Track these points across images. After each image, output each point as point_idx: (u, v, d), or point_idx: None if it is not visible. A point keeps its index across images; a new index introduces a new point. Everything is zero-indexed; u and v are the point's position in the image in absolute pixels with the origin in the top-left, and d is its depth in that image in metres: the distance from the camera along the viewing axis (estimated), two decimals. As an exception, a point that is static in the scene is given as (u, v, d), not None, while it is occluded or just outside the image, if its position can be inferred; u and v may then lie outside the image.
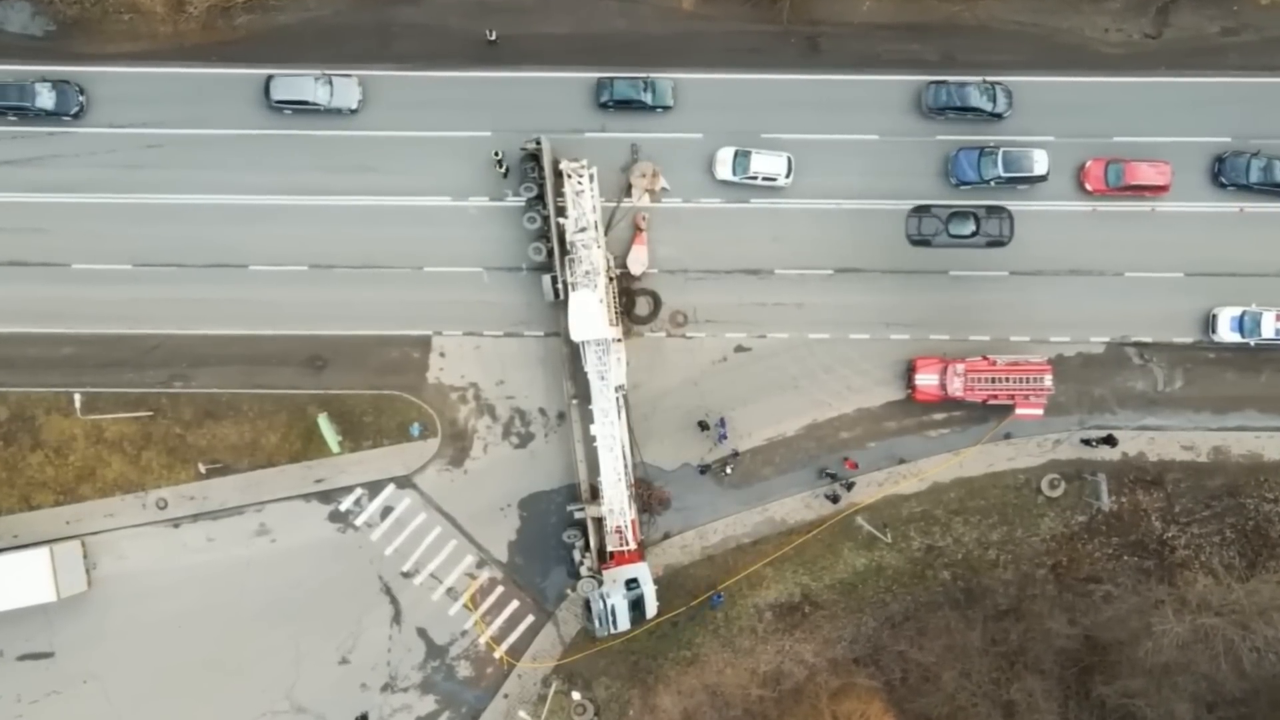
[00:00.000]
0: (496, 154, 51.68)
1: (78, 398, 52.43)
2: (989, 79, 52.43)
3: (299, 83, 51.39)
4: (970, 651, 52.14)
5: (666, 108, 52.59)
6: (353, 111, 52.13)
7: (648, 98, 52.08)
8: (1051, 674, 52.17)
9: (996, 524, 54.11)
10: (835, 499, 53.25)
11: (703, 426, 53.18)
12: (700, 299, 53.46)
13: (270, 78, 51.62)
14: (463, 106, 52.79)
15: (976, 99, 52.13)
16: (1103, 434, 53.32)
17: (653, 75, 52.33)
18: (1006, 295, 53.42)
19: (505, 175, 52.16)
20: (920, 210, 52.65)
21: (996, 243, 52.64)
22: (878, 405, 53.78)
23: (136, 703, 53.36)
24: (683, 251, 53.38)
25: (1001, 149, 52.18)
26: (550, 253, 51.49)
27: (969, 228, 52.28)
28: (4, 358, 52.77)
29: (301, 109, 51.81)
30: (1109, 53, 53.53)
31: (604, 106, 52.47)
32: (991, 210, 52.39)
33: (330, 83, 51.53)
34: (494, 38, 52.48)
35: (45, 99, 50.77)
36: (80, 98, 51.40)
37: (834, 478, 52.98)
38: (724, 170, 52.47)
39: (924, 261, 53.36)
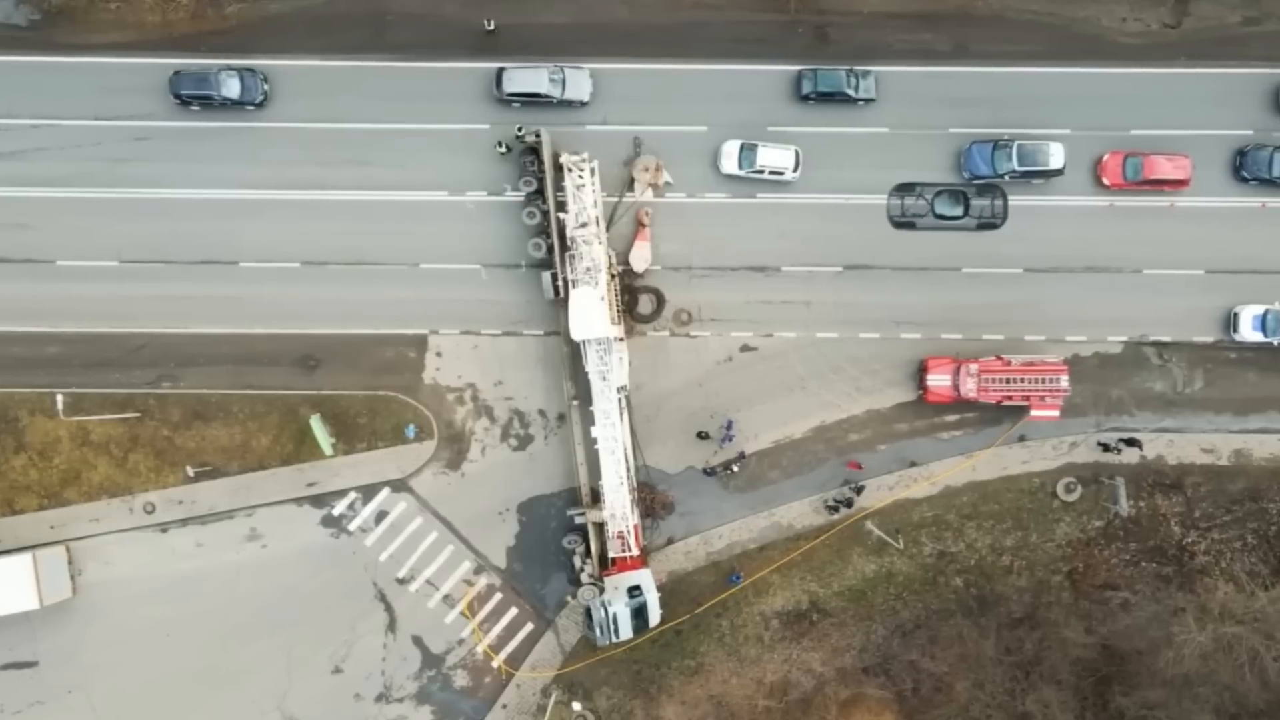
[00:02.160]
0: (500, 144, 50.74)
1: (60, 398, 51.57)
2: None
3: (532, 75, 50.49)
4: (984, 661, 51.34)
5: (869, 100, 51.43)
6: (583, 104, 51.13)
7: (852, 89, 50.77)
8: (1068, 684, 51.25)
9: (1010, 529, 53.18)
10: (847, 504, 52.25)
11: (702, 437, 52.28)
12: (705, 297, 52.61)
13: (502, 70, 50.81)
14: (460, 98, 51.88)
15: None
16: (1121, 438, 52.06)
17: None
18: (1021, 293, 52.46)
19: (507, 152, 51.01)
20: (903, 189, 50.88)
21: (988, 224, 51.05)
22: (888, 406, 52.89)
23: (123, 714, 52.48)
24: (687, 248, 52.52)
25: (1016, 142, 51.13)
26: (550, 249, 50.71)
27: (958, 208, 50.39)
28: (-13, 357, 51.92)
29: (532, 102, 50.93)
30: (1127, 43, 52.57)
31: (806, 99, 51.24)
32: (983, 189, 50.48)
33: (563, 75, 50.53)
34: (492, 27, 51.58)
35: (230, 87, 50.20)
36: (264, 86, 50.75)
37: (844, 503, 52.19)
38: (729, 164, 51.53)
39: (936, 258, 52.28)
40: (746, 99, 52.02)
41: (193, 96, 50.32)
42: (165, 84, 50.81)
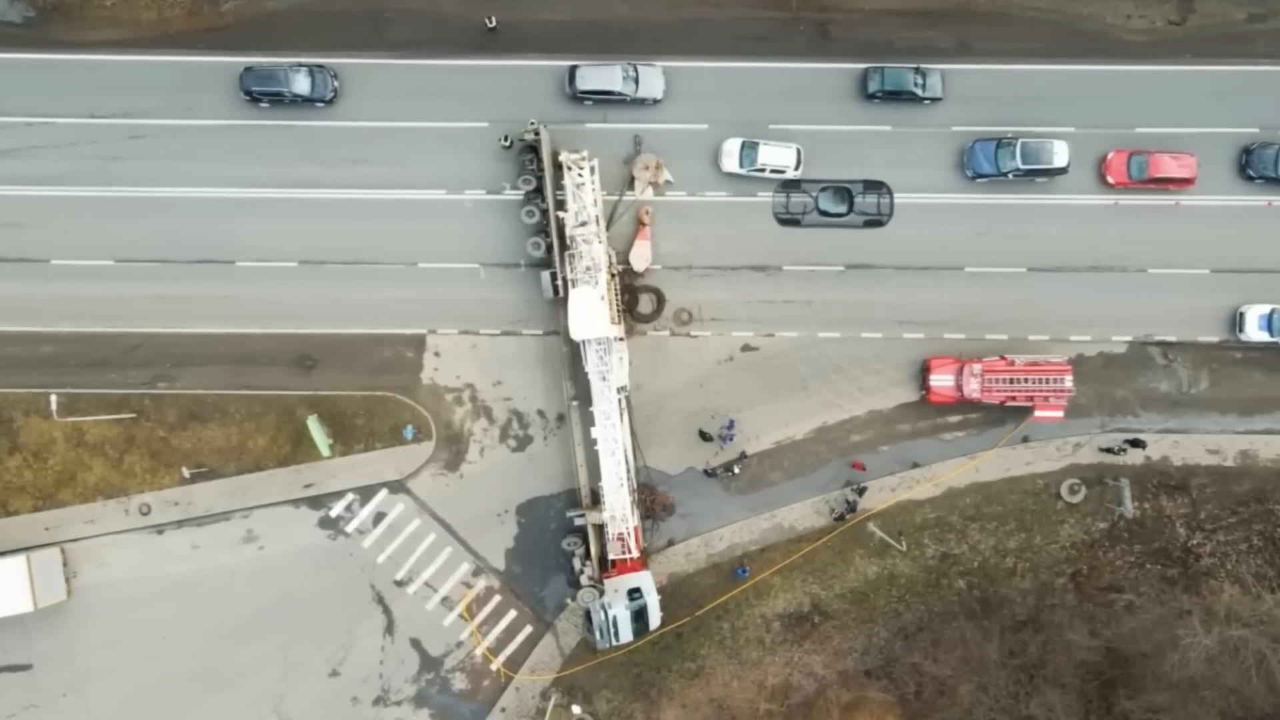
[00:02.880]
0: (504, 139, 50.43)
1: (54, 399, 51.16)
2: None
3: (606, 73, 50.08)
4: (987, 664, 50.95)
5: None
6: (656, 102, 50.72)
7: (919, 87, 50.49)
8: (1072, 688, 50.85)
9: (1014, 531, 52.74)
10: (851, 508, 51.85)
11: (704, 437, 51.92)
12: (706, 296, 52.18)
13: (574, 68, 50.34)
14: (458, 96, 51.51)
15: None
16: (1119, 442, 51.71)
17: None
18: (1025, 292, 52.05)
19: (509, 146, 50.59)
20: (788, 186, 50.23)
21: (874, 222, 50.59)
22: (890, 407, 52.47)
23: (118, 717, 52.09)
24: (687, 247, 52.09)
25: (1020, 140, 50.65)
26: (550, 248, 50.29)
27: (842, 205, 49.83)
28: (-19, 357, 51.54)
29: (605, 100, 50.60)
30: (1131, 40, 52.12)
31: (872, 98, 50.81)
32: (869, 185, 49.87)
33: (636, 73, 50.17)
34: (494, 25, 51.16)
35: (301, 84, 49.76)
36: (334, 82, 50.40)
37: (848, 508, 51.86)
38: (731, 162, 51.08)
39: (939, 257, 51.78)
40: (747, 96, 51.42)
41: (262, 93, 49.88)
42: (155, 81, 50.46)
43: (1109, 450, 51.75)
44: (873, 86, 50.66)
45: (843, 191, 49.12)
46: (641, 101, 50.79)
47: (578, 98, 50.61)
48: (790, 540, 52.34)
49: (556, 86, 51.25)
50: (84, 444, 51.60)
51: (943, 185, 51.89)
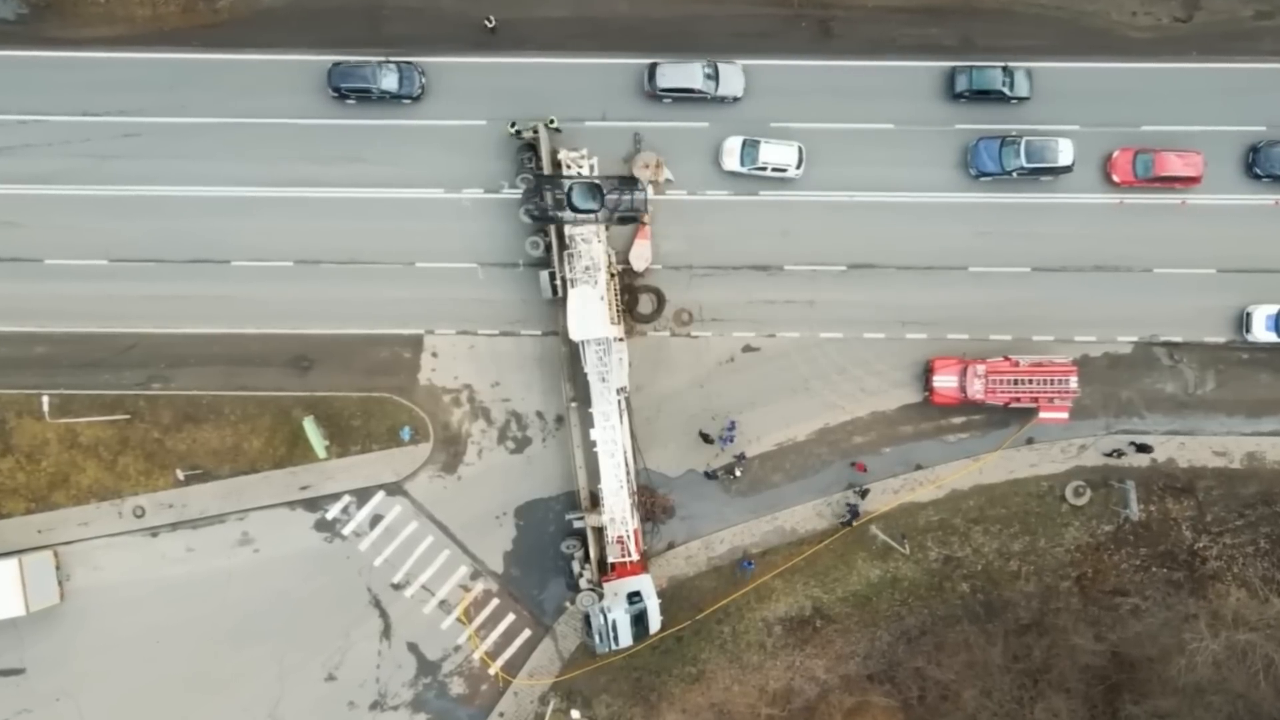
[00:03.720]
0: (512, 125, 49.76)
1: (46, 400, 50.69)
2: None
3: (686, 71, 49.70)
4: (991, 668, 50.60)
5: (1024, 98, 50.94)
6: (736, 100, 50.55)
7: (1007, 86, 50.26)
8: (1077, 692, 50.50)
9: (1018, 534, 52.27)
10: (854, 512, 51.40)
11: (705, 439, 51.53)
12: (706, 296, 51.75)
13: (654, 66, 49.96)
14: (457, 93, 51.09)
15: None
16: (1131, 443, 51.28)
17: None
18: (1029, 292, 51.53)
19: (518, 135, 49.99)
20: (541, 181, 49.21)
21: (628, 218, 49.70)
22: (893, 408, 52.02)
23: (112, 721, 51.58)
24: (688, 246, 51.66)
25: (1024, 139, 50.13)
26: (548, 247, 49.85)
27: (593, 201, 48.77)
28: (-27, 358, 51.11)
29: (684, 98, 50.24)
30: (1137, 37, 51.64)
31: (959, 97, 50.70)
32: (623, 181, 48.92)
33: (716, 71, 50.00)
34: (493, 25, 50.74)
35: (389, 81, 49.52)
36: (422, 79, 50.17)
37: (851, 512, 51.43)
38: (731, 161, 50.62)
39: (942, 257, 51.47)
40: (749, 94, 50.98)
41: (351, 90, 49.66)
42: (150, 79, 50.05)
43: (1112, 454, 51.26)
44: (960, 86, 50.37)
45: (594, 188, 48.51)
46: (721, 100, 50.51)
47: (656, 96, 50.32)
48: (792, 543, 51.89)
49: (554, 85, 50.84)
50: (77, 445, 51.12)
51: (946, 184, 51.43)
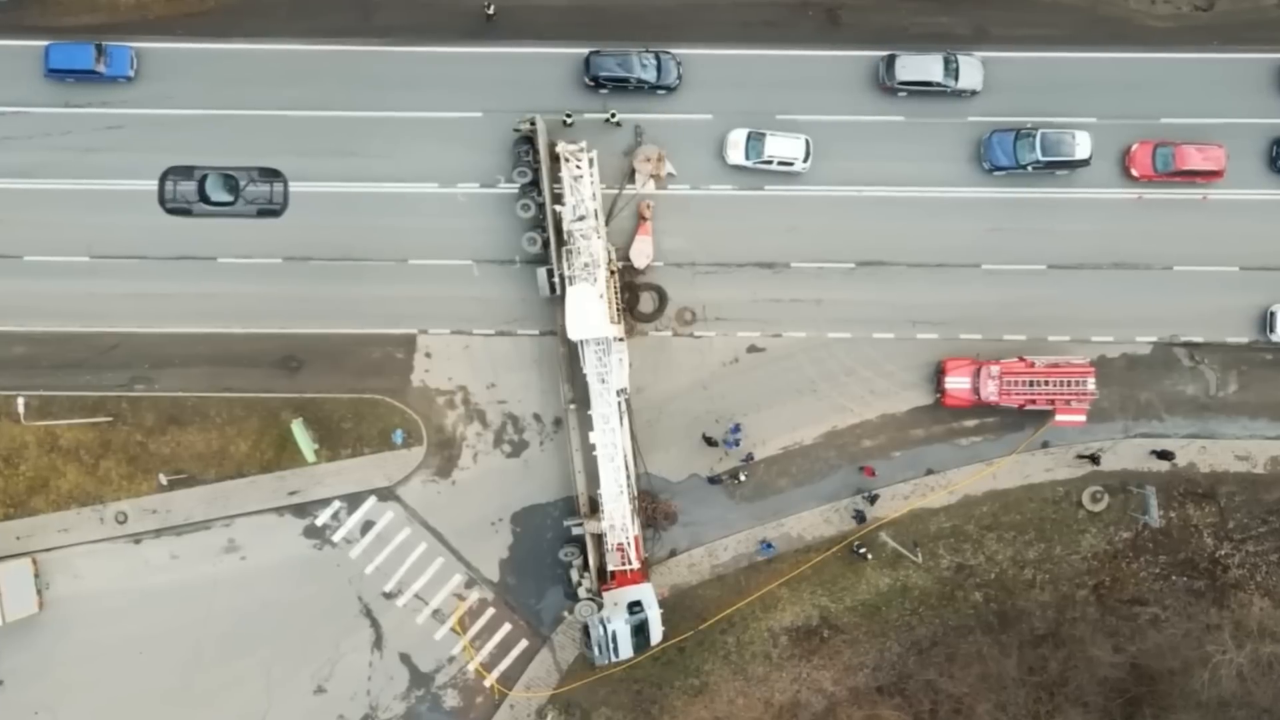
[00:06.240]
0: (567, 116, 49.29)
1: (21, 402, 49.51)
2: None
3: (925, 63, 48.72)
4: (1006, 681, 49.51)
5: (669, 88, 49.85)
6: (974, 94, 49.59)
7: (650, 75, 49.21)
8: (1095, 706, 49.59)
9: (1033, 541, 51.26)
10: (860, 518, 50.58)
11: (709, 442, 50.55)
12: (710, 294, 50.85)
13: (893, 57, 49.00)
14: (451, 84, 50.17)
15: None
16: (1152, 450, 50.26)
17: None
18: (1044, 291, 50.55)
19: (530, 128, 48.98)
20: (175, 172, 48.41)
21: (268, 211, 49.00)
22: (903, 411, 51.04)
23: (93, 735, 50.68)
24: (691, 243, 50.75)
25: (1040, 131, 49.02)
26: (546, 244, 49.10)
27: (229, 194, 48.18)
28: (-51, 358, 50.17)
29: (923, 91, 49.33)
30: (1156, 26, 50.65)
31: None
32: (263, 173, 48.40)
33: (957, 63, 48.99)
34: (492, 12, 49.72)
35: (648, 71, 48.92)
36: (679, 69, 49.43)
37: (856, 518, 50.61)
38: (736, 154, 49.66)
39: (954, 254, 50.43)
40: (754, 85, 50.05)
41: (609, 79, 48.97)
42: (156, 68, 49.11)
43: (1086, 458, 50.54)
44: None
45: (230, 179, 47.47)
46: (960, 93, 49.45)
47: (894, 89, 49.16)
48: (798, 550, 50.84)
49: (553, 75, 49.99)
50: (57, 449, 50.12)
51: (958, 178, 50.49)
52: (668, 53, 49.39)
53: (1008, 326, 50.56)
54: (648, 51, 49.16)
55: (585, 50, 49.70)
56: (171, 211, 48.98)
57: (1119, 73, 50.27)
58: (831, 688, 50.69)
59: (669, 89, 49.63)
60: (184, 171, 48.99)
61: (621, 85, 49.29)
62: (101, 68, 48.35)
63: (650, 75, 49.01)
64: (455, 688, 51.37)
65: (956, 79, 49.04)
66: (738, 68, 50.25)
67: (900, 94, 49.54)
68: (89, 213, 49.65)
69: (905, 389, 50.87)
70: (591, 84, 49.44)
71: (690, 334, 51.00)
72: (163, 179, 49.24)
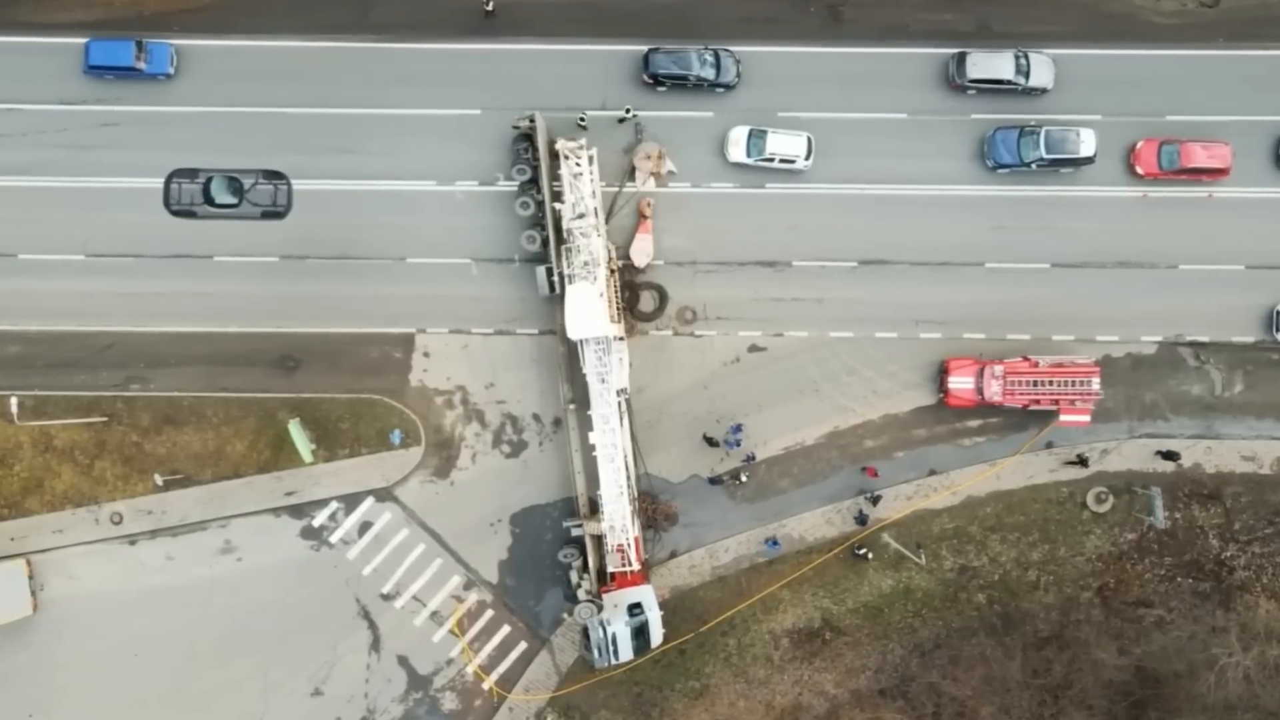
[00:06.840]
0: (628, 110, 49.00)
1: (14, 402, 49.06)
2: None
3: (996, 60, 48.45)
4: (1009, 684, 49.14)
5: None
6: (1044, 92, 49.28)
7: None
8: (1100, 709, 49.16)
9: (1037, 542, 50.84)
10: (862, 520, 50.18)
11: (710, 443, 50.21)
12: (711, 293, 50.48)
13: (964, 55, 48.62)
14: (450, 81, 49.83)
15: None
16: (1157, 451, 49.90)
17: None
18: (1048, 289, 50.18)
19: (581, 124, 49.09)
20: (180, 175, 48.13)
21: (272, 213, 48.82)
22: (906, 411, 50.64)
23: (88, 739, 50.32)
24: (692, 241, 50.39)
25: (1044, 129, 48.69)
26: (545, 242, 48.73)
27: (234, 195, 47.99)
28: (-57, 357, 49.83)
29: (994, 88, 48.94)
30: (1161, 22, 50.30)
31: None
32: (267, 174, 48.20)
33: (1028, 62, 48.72)
34: (491, 8, 49.39)
35: (707, 69, 48.72)
36: (738, 66, 49.08)
37: (861, 516, 50.18)
38: (737, 152, 49.29)
39: (957, 253, 50.06)
40: (756, 82, 49.68)
41: (668, 76, 48.63)
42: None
43: (1075, 462, 50.12)
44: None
45: (234, 181, 47.34)
46: (1030, 92, 49.13)
47: (963, 88, 48.91)
48: (800, 551, 50.45)
49: (553, 72, 49.67)
50: (52, 449, 49.72)
51: (961, 176, 50.11)
52: (727, 50, 49.07)
53: (1011, 326, 50.20)
54: (707, 49, 48.85)
55: (585, 47, 49.45)
56: (176, 214, 48.80)
57: (1124, 69, 49.89)
58: (833, 690, 50.32)
59: (728, 87, 49.22)
60: (189, 174, 48.80)
61: (680, 83, 48.93)
62: (142, 65, 48.07)
63: (709, 73, 48.66)
64: (454, 690, 50.98)
65: (1028, 77, 48.63)
66: (740, 65, 49.71)
67: (969, 92, 49.17)
68: (84, 210, 49.28)
69: (908, 389, 50.49)
70: (650, 82, 49.06)
71: (691, 333, 50.64)
72: (168, 181, 48.96)
